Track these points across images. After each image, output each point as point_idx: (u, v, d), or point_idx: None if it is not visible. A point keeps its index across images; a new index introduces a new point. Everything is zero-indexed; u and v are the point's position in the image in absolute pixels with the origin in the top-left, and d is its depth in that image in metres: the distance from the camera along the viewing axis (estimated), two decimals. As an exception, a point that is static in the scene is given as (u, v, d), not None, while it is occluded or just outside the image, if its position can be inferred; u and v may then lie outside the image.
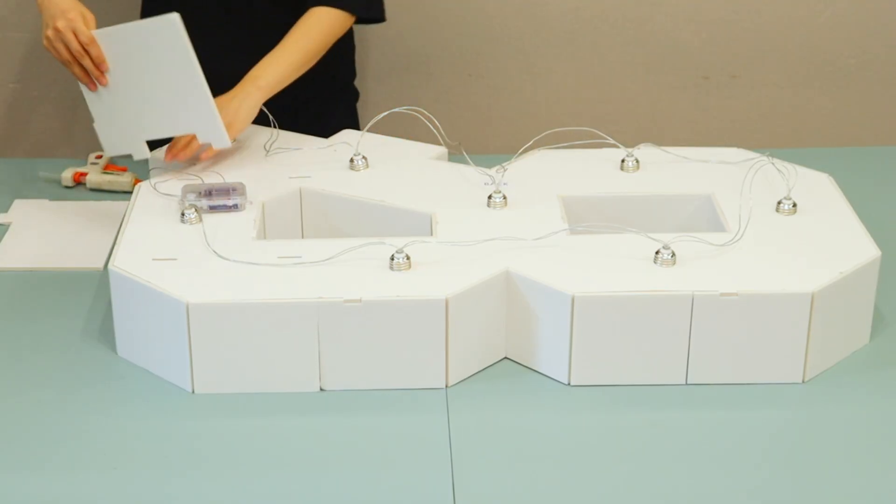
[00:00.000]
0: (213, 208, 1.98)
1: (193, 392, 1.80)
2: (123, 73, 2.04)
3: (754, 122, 2.99)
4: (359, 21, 2.29)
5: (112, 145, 2.11)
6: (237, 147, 2.17)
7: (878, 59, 2.94)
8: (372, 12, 2.29)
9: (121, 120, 2.07)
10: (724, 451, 1.69)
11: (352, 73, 2.48)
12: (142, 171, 2.24)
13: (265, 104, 2.14)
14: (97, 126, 2.09)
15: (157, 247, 1.89)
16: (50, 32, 2.01)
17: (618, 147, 2.15)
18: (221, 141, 2.05)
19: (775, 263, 1.84)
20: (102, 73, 2.02)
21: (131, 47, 2.01)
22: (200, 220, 1.95)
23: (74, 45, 1.99)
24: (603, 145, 2.15)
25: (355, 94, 2.52)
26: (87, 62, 2.00)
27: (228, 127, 2.04)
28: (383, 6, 2.31)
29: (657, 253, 1.83)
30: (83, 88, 2.07)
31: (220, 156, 2.12)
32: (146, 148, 2.08)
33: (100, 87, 2.04)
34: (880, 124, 3.01)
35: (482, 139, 2.96)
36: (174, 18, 1.95)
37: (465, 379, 1.82)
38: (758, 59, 2.93)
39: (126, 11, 2.62)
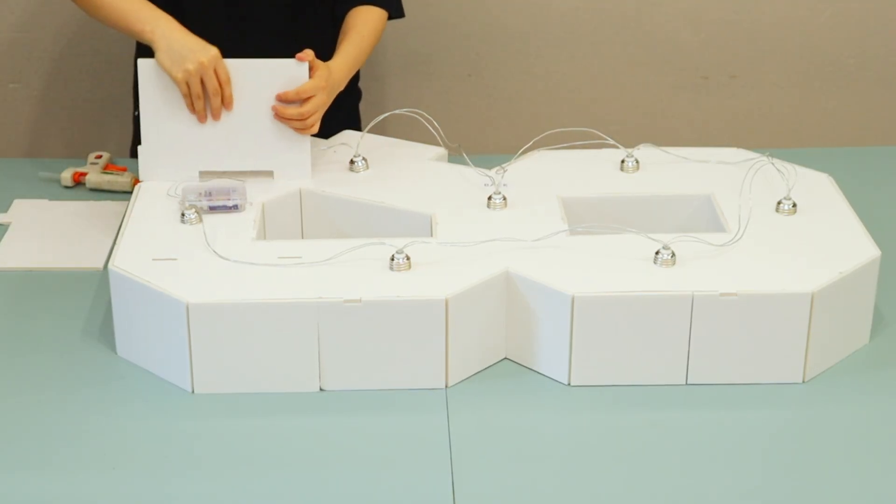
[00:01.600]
0: (213, 208, 1.98)
1: (193, 392, 1.80)
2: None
3: (754, 122, 2.99)
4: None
5: (155, 171, 2.07)
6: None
7: (878, 59, 2.94)
8: (398, 11, 2.36)
9: (183, 149, 2.06)
10: (724, 451, 1.69)
11: (356, 76, 2.48)
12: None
13: None
14: (143, 150, 2.06)
15: (157, 247, 1.89)
16: (191, 66, 2.01)
17: (617, 147, 2.15)
18: (304, 174, 2.08)
19: (775, 263, 1.84)
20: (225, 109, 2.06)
21: (243, 83, 2.04)
22: (200, 220, 1.95)
23: (214, 83, 2.02)
24: (603, 146, 2.15)
25: (358, 95, 2.52)
26: (217, 100, 2.04)
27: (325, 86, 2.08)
28: (402, 3, 2.38)
29: (657, 253, 1.83)
30: (148, 112, 2.04)
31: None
32: (197, 176, 2.07)
33: (174, 115, 2.04)
34: (880, 124, 3.01)
35: (482, 139, 2.96)
36: (305, 65, 2.03)
37: (465, 379, 1.83)
38: (757, 59, 2.93)
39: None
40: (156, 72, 2.04)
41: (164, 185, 2.05)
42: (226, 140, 2.06)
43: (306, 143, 2.07)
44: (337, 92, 2.15)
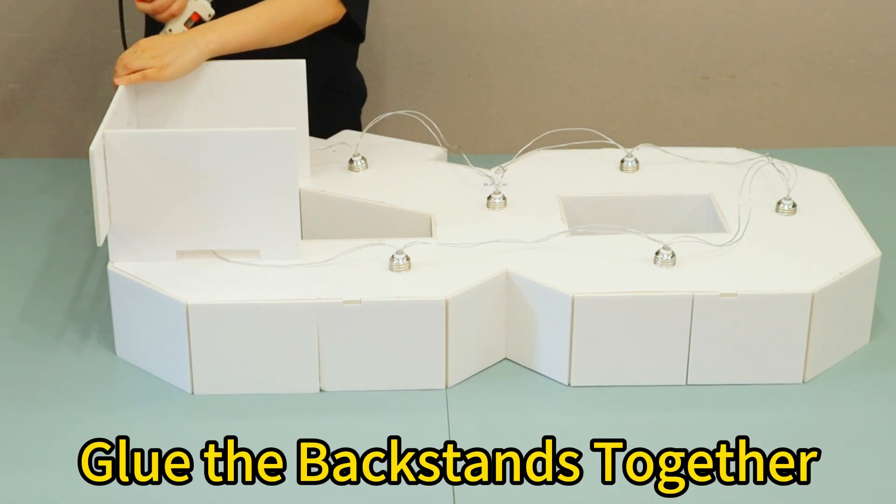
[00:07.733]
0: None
1: (193, 393, 1.80)
2: (199, 178, 1.83)
3: (754, 122, 2.99)
4: (338, 32, 2.19)
5: (126, 251, 1.85)
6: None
7: (878, 59, 2.93)
8: (355, 9, 2.17)
9: (157, 227, 1.85)
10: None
11: (358, 76, 2.45)
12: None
13: None
14: (113, 228, 1.84)
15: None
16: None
17: (617, 147, 2.15)
18: (294, 253, 1.87)
19: (775, 264, 1.84)
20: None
21: (225, 153, 1.82)
22: (200, 220, 1.95)
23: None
24: (602, 146, 2.15)
25: (363, 97, 2.49)
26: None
27: (163, 66, 1.98)
28: (365, 20, 2.21)
29: (657, 253, 1.83)
30: (118, 186, 1.83)
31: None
32: (174, 255, 1.86)
33: (146, 189, 1.84)
34: (880, 124, 3.00)
35: (482, 139, 2.96)
36: (292, 131, 1.81)
37: (465, 380, 1.82)
38: (757, 59, 2.93)
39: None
40: (123, 144, 1.82)
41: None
42: (205, 217, 1.85)
43: (295, 220, 1.85)
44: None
